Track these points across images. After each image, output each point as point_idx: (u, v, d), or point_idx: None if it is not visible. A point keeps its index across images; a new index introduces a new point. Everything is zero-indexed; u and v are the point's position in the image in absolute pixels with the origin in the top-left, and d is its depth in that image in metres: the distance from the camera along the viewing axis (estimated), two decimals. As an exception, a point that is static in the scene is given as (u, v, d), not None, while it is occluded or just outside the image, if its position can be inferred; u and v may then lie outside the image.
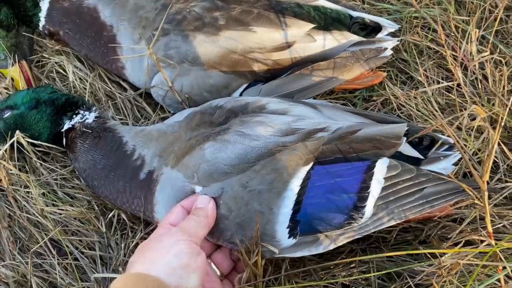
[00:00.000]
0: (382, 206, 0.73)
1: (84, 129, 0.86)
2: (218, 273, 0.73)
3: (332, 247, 0.72)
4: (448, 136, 0.77)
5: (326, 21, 0.96)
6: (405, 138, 0.78)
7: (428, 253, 0.74)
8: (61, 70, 1.03)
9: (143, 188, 0.79)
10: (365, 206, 0.72)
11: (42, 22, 1.00)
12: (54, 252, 0.80)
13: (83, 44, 0.98)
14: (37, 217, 0.83)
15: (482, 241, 0.70)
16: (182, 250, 0.63)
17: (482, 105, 0.92)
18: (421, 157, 0.80)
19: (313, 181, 0.73)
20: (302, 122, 0.78)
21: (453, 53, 0.96)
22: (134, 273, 0.60)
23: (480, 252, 0.68)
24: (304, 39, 0.94)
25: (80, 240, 0.84)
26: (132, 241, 0.83)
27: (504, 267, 0.62)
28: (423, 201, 0.73)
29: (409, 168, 0.75)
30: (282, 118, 0.80)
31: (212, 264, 0.73)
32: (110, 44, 0.95)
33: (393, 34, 1.02)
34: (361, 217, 0.72)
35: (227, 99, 0.88)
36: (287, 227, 0.72)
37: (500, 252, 0.62)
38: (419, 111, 0.95)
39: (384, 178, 0.74)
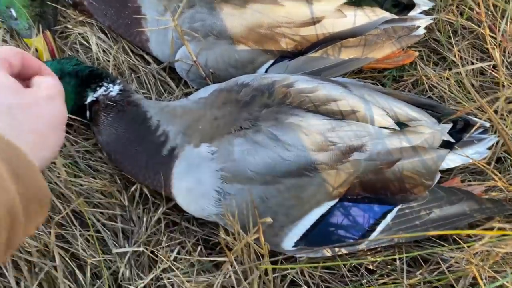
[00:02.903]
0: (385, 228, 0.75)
1: (108, 102, 0.84)
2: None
3: (328, 254, 0.76)
4: (484, 119, 0.73)
5: (357, -4, 0.92)
6: (436, 181, 0.77)
7: (456, 237, 0.72)
8: (84, 42, 1.01)
9: (164, 164, 0.78)
10: (369, 236, 0.75)
11: (66, -8, 0.98)
12: (76, 224, 0.80)
13: (107, 15, 0.96)
14: (60, 187, 0.82)
15: (515, 229, 0.67)
16: None
17: (519, 88, 0.88)
18: (453, 140, 0.77)
19: (331, 215, 0.74)
20: (339, 131, 0.75)
21: (490, 33, 0.91)
22: None
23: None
24: (334, 15, 0.90)
25: (102, 213, 0.83)
26: (154, 215, 0.82)
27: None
28: (428, 226, 0.75)
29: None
30: (319, 122, 0.76)
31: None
32: (135, 15, 0.93)
33: (426, 12, 0.98)
34: (363, 242, 0.75)
35: (253, 76, 0.85)
36: (294, 242, 0.74)
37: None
38: (452, 92, 0.92)
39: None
